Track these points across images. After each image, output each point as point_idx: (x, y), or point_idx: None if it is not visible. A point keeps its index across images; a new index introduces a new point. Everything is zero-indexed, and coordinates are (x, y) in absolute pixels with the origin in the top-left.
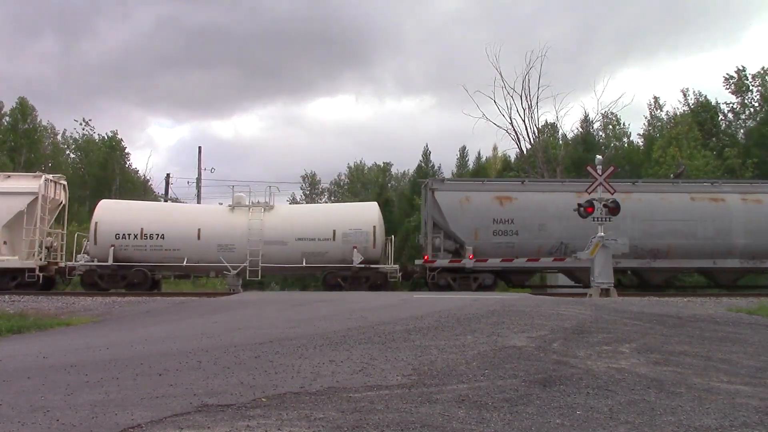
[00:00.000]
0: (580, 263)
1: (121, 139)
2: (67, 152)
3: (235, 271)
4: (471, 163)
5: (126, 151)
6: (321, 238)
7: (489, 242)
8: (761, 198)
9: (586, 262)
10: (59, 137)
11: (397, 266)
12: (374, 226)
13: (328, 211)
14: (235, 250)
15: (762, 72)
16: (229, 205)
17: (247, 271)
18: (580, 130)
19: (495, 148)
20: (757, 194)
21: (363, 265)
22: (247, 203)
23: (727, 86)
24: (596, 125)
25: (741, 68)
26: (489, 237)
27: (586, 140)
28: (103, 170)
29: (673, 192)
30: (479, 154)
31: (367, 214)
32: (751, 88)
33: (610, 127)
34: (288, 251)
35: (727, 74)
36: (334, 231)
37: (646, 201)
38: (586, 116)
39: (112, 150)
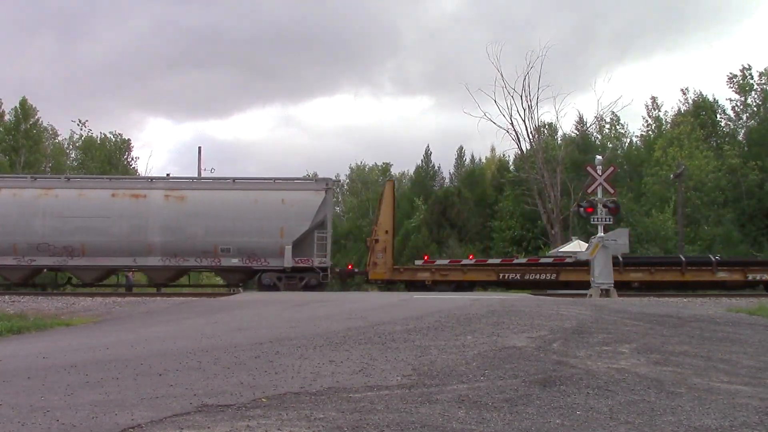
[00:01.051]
0: None
1: (129, 139)
2: (70, 152)
3: None
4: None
5: (134, 155)
6: None
7: None
8: (185, 195)
9: None
10: (65, 138)
11: None
12: None
13: None
14: None
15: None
16: None
17: None
18: (576, 132)
19: (493, 149)
20: (183, 191)
21: None
22: None
23: (731, 85)
24: (592, 127)
25: (747, 67)
26: None
27: (583, 141)
28: (104, 170)
29: (94, 188)
30: (473, 156)
31: None
32: (756, 87)
33: (607, 128)
34: None
35: (731, 73)
36: None
37: (63, 197)
38: (581, 118)
39: (120, 151)
